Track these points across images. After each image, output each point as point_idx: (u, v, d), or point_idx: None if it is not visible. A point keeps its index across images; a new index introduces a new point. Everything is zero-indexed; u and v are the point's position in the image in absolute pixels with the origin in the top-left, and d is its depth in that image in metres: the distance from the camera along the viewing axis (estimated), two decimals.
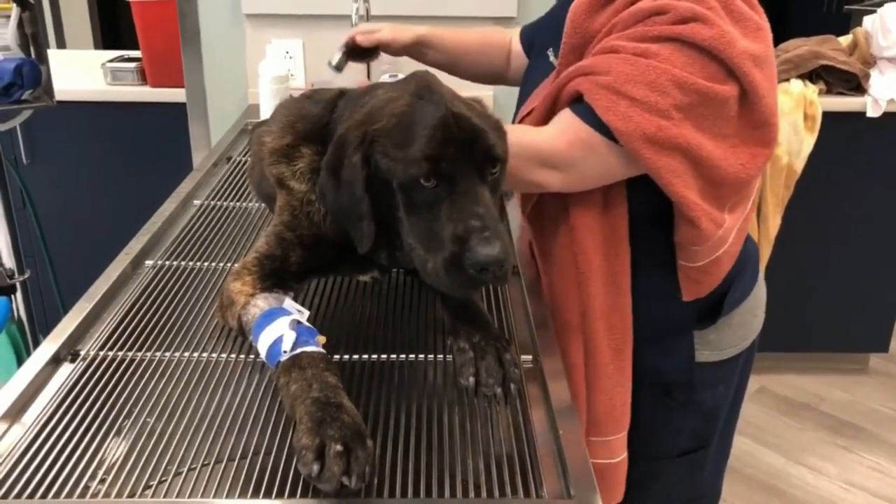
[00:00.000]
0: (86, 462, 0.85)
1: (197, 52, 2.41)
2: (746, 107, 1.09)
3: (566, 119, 1.13)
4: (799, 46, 2.70)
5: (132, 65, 2.67)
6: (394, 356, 1.06)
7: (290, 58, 2.39)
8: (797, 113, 2.56)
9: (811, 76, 2.66)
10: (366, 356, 1.06)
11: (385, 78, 2.16)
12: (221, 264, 1.31)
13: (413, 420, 0.93)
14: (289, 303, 1.02)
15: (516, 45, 1.52)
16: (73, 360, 1.03)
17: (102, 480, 0.82)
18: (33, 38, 1.97)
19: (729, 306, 1.29)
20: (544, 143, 1.13)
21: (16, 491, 0.80)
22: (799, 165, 2.60)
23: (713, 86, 1.06)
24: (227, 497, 0.80)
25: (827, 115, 2.58)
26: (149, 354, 1.05)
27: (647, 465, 1.35)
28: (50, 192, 2.67)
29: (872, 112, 2.62)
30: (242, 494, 0.81)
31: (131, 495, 0.81)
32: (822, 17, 4.78)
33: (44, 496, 0.80)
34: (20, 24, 1.93)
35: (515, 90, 1.45)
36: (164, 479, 0.83)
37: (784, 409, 2.92)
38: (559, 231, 1.23)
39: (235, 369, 1.03)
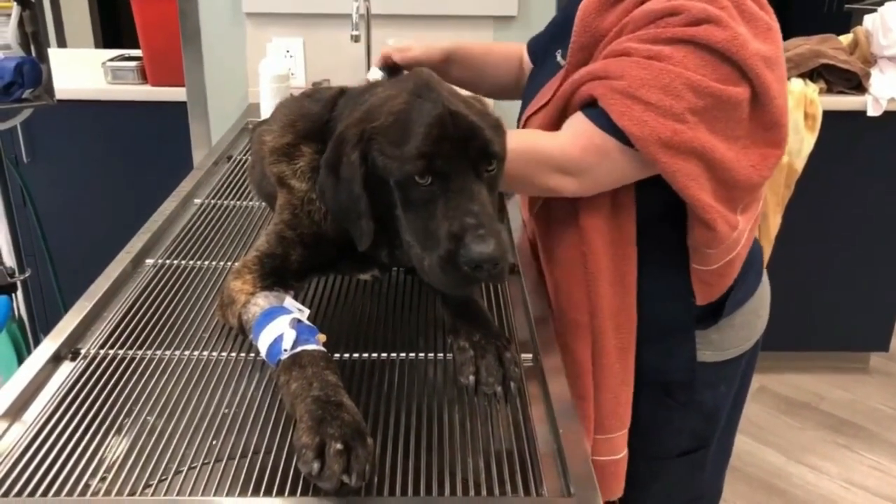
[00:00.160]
0: (86, 460, 0.85)
1: (197, 51, 2.41)
2: (758, 108, 1.09)
3: (579, 124, 1.13)
4: (799, 45, 2.70)
5: (133, 64, 2.67)
6: (394, 355, 1.06)
7: (291, 56, 2.39)
8: (798, 112, 2.56)
9: (812, 75, 2.66)
10: (366, 355, 1.06)
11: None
12: (222, 263, 1.31)
13: (413, 418, 0.93)
14: (289, 301, 1.02)
15: (526, 58, 1.51)
16: (73, 359, 1.03)
17: (103, 479, 0.82)
18: (34, 36, 1.97)
19: (731, 307, 1.29)
20: (558, 149, 1.12)
21: (16, 489, 0.80)
22: (799, 164, 2.60)
23: (726, 88, 1.05)
24: (227, 495, 0.80)
25: (827, 114, 2.58)
26: (149, 353, 1.05)
27: (648, 464, 1.35)
28: (50, 190, 2.67)
29: (873, 111, 2.62)
30: (243, 493, 0.81)
31: (132, 494, 0.81)
32: (822, 16, 4.78)
33: (44, 494, 0.80)
34: (21, 23, 1.93)
35: None
36: (164, 477, 0.83)
37: (784, 409, 2.92)
38: (567, 232, 1.23)
39: (236, 368, 1.03)
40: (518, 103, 1.41)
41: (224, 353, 1.05)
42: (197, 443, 0.88)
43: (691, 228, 1.17)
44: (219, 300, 1.11)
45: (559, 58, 1.29)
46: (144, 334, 1.09)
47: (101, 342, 1.07)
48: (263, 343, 0.96)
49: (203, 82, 2.45)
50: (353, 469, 0.77)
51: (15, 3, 1.90)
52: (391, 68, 1.48)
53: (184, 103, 2.48)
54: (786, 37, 2.77)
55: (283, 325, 0.95)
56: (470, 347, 1.02)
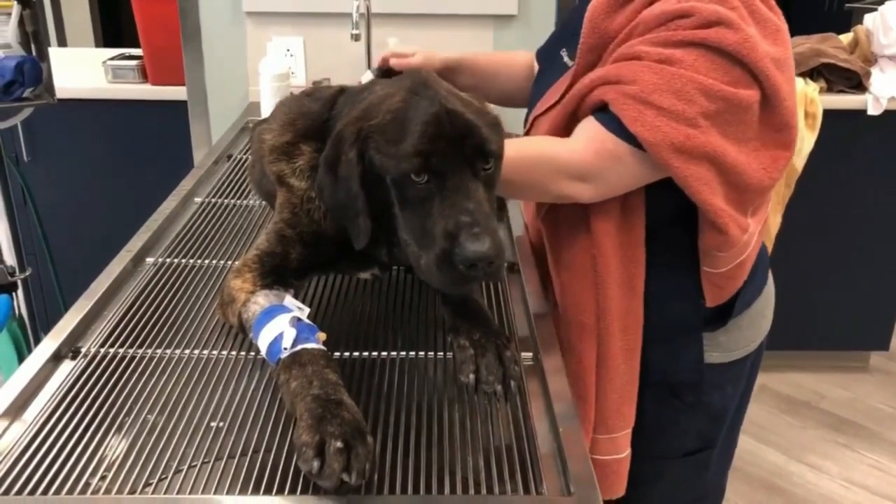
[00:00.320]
0: (87, 459, 0.85)
1: (198, 50, 2.41)
2: (768, 110, 1.09)
3: (591, 130, 1.12)
4: (800, 44, 2.70)
5: (133, 63, 2.67)
6: (394, 353, 1.06)
7: (291, 55, 2.39)
8: (798, 111, 2.56)
9: (812, 74, 2.66)
10: (366, 353, 1.06)
11: None
12: (222, 262, 1.31)
13: (413, 417, 0.93)
14: (289, 300, 1.02)
15: (536, 66, 1.50)
16: (73, 358, 1.04)
17: (103, 477, 0.82)
18: (34, 35, 1.97)
19: (739, 308, 1.29)
20: (571, 155, 1.12)
21: (17, 487, 0.80)
22: (800, 164, 2.59)
23: (738, 91, 1.05)
24: (227, 494, 0.80)
25: (828, 114, 2.58)
26: (149, 351, 1.05)
27: (653, 464, 1.35)
28: (51, 189, 2.67)
29: (873, 110, 2.62)
30: (243, 491, 0.81)
31: (132, 492, 0.81)
32: (823, 15, 4.78)
33: (45, 493, 0.80)
34: (21, 22, 1.93)
35: None
36: (164, 476, 0.83)
37: (785, 408, 2.92)
38: (577, 235, 1.23)
39: (236, 366, 1.03)
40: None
41: (224, 352, 1.06)
42: (197, 441, 0.88)
43: (702, 232, 1.17)
44: (219, 299, 1.11)
45: (566, 58, 1.29)
46: (145, 333, 1.09)
47: (101, 341, 1.07)
48: (263, 341, 0.96)
49: (203, 81, 2.45)
50: (353, 467, 0.77)
51: (15, 2, 1.90)
52: (385, 72, 1.47)
53: (184, 102, 2.48)
54: None
55: (283, 324, 0.95)
56: (470, 346, 1.02)
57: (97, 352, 1.04)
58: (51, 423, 0.90)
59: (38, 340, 1.75)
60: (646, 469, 1.34)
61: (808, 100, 2.58)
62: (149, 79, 2.65)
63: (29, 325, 2.15)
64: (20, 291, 2.10)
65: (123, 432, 0.89)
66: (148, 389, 0.97)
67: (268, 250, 1.08)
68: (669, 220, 1.20)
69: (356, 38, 2.18)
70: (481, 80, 1.51)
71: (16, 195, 2.14)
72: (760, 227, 1.24)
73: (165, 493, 0.80)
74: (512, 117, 1.48)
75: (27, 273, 2.12)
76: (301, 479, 0.81)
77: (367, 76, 1.50)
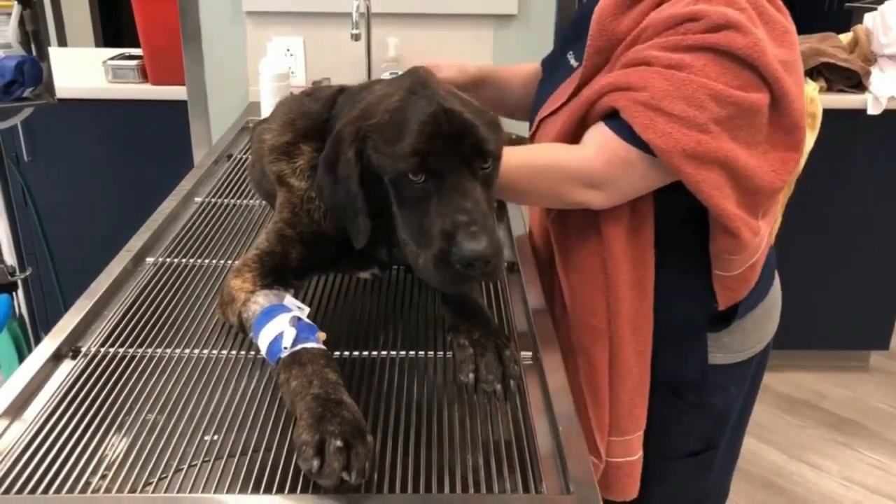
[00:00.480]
0: (87, 458, 0.85)
1: (198, 50, 2.41)
2: (777, 113, 1.09)
3: (602, 136, 1.12)
4: (800, 44, 2.70)
5: (133, 62, 2.67)
6: (394, 353, 1.07)
7: (291, 55, 2.39)
8: None
9: (812, 73, 2.66)
10: (366, 353, 1.06)
11: (385, 76, 2.16)
12: (222, 261, 1.31)
13: (413, 416, 0.93)
14: (289, 300, 1.02)
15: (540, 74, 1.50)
16: (74, 357, 1.04)
17: (104, 476, 0.82)
18: (34, 35, 1.97)
19: (744, 309, 1.29)
20: (582, 162, 1.12)
21: (17, 487, 0.80)
22: (800, 163, 2.59)
23: (748, 95, 1.05)
24: (227, 493, 0.80)
25: (827, 113, 2.57)
26: (150, 351, 1.05)
27: (656, 464, 1.35)
28: (51, 189, 2.68)
29: (873, 109, 2.62)
30: (243, 490, 0.81)
31: (132, 491, 0.81)
32: (822, 15, 4.77)
33: (45, 492, 0.80)
34: (21, 22, 1.93)
35: None
36: (164, 475, 0.83)
37: (785, 407, 2.92)
38: (586, 237, 1.23)
39: (236, 366, 1.03)
40: None
41: (224, 351, 1.06)
42: (197, 440, 0.88)
43: (714, 237, 1.17)
44: (219, 298, 1.11)
45: (572, 60, 1.29)
46: (145, 332, 1.09)
47: (101, 340, 1.07)
48: (263, 341, 0.96)
49: (203, 81, 2.45)
50: (352, 466, 0.78)
51: (16, 2, 1.90)
52: None
53: (184, 102, 2.48)
54: None
55: (283, 323, 0.95)
56: (470, 345, 1.02)
57: (97, 351, 1.05)
58: (51, 423, 0.90)
59: (38, 340, 1.75)
60: (650, 469, 1.34)
61: (808, 99, 2.56)
62: (149, 79, 2.65)
63: (29, 325, 2.15)
64: (20, 291, 2.10)
65: (124, 431, 0.90)
66: (148, 389, 0.98)
67: (268, 250, 1.08)
68: (678, 223, 1.20)
69: (356, 37, 2.18)
70: (501, 94, 1.50)
71: (16, 195, 2.14)
72: (769, 229, 1.24)
73: (166, 491, 0.81)
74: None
75: (27, 273, 2.12)
76: (301, 478, 0.81)
77: None
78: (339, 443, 0.78)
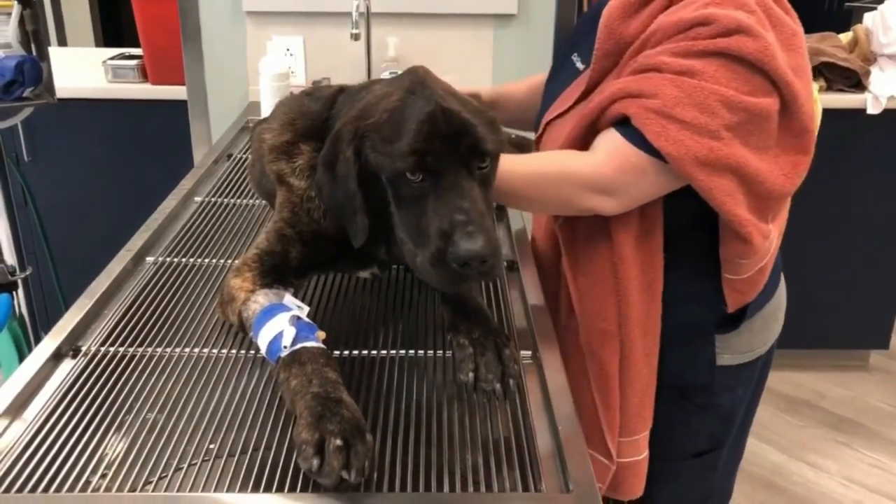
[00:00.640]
0: (87, 457, 0.85)
1: (198, 50, 2.41)
2: (787, 116, 1.09)
3: (613, 143, 1.12)
4: None
5: (133, 62, 2.68)
6: (393, 352, 1.07)
7: (291, 55, 2.40)
8: None
9: (812, 73, 2.66)
10: (365, 352, 1.06)
11: (385, 76, 2.16)
12: (222, 261, 1.31)
13: (412, 415, 0.93)
14: (289, 299, 1.02)
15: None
16: (74, 356, 1.04)
17: (104, 475, 0.82)
18: (34, 35, 1.97)
19: (752, 310, 1.29)
20: (593, 169, 1.12)
21: (17, 486, 0.80)
22: None
23: (759, 101, 1.06)
24: (227, 492, 0.80)
25: (827, 113, 2.56)
26: (150, 350, 1.05)
27: (662, 465, 1.35)
28: (51, 189, 2.68)
29: (873, 109, 2.62)
30: (243, 489, 0.81)
31: (132, 490, 0.81)
32: (822, 14, 4.77)
33: (45, 491, 0.80)
34: (21, 22, 1.93)
35: None
36: (164, 474, 0.83)
37: (785, 407, 2.92)
38: (596, 242, 1.23)
39: (236, 365, 1.03)
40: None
41: (224, 351, 1.06)
42: (197, 439, 0.88)
43: (725, 241, 1.17)
44: (219, 298, 1.11)
45: (577, 62, 1.29)
46: (145, 332, 1.10)
47: (101, 339, 1.07)
48: (263, 340, 0.96)
49: (203, 81, 2.45)
50: (352, 465, 0.78)
51: (16, 2, 1.90)
52: None
53: (184, 102, 2.48)
54: None
55: (282, 323, 0.95)
56: (469, 344, 1.02)
57: (97, 350, 1.05)
58: (51, 422, 0.90)
59: (38, 339, 1.75)
60: (655, 469, 1.34)
61: None
62: (149, 78, 2.66)
63: (29, 324, 2.15)
64: (20, 290, 2.10)
65: (124, 430, 0.90)
66: (148, 388, 0.98)
67: (268, 249, 1.08)
68: (687, 227, 1.20)
69: (356, 37, 2.18)
70: (513, 115, 1.50)
71: (16, 195, 2.15)
72: (779, 232, 1.24)
73: (166, 490, 0.81)
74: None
75: (27, 272, 2.12)
76: (301, 477, 0.81)
77: None
78: (338, 441, 0.79)
